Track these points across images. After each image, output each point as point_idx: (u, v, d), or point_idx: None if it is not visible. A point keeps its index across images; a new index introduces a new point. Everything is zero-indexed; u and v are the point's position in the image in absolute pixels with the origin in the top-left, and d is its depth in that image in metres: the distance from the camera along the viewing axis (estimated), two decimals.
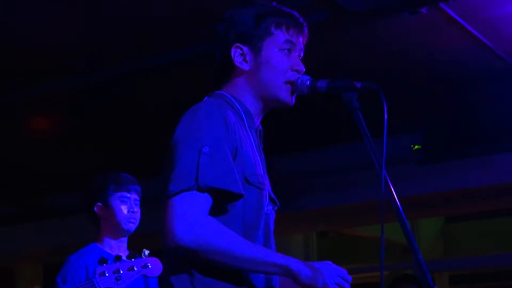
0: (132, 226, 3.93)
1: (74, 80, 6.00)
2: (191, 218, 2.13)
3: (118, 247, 3.93)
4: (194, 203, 2.15)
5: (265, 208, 2.33)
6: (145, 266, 3.35)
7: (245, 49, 2.40)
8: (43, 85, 6.07)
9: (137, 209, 3.94)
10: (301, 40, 2.46)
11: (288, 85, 2.40)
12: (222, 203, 2.23)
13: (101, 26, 5.16)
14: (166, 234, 2.14)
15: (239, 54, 2.41)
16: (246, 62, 2.41)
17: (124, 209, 3.91)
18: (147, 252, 3.42)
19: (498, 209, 8.75)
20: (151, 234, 4.02)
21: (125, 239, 3.98)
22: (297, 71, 2.41)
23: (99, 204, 3.93)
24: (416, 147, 7.10)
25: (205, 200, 2.17)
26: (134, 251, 3.72)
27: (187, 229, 2.12)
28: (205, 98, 2.41)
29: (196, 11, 4.90)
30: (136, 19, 5.07)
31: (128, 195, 3.94)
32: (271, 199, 2.42)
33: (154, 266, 3.25)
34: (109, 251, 3.89)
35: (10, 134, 7.18)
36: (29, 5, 4.81)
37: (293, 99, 2.43)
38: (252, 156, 2.33)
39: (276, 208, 2.47)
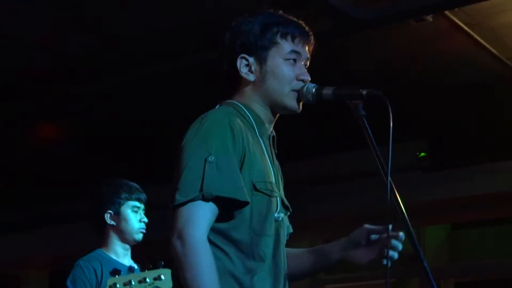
0: (141, 236, 3.94)
1: (79, 88, 6.02)
2: (187, 231, 2.16)
3: (124, 254, 3.93)
4: (197, 214, 2.18)
5: (275, 215, 2.34)
6: (158, 277, 3.32)
7: (251, 59, 2.41)
8: (49, 92, 6.09)
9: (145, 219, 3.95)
10: (307, 50, 2.46)
11: (295, 92, 2.41)
12: (229, 210, 2.24)
13: (106, 34, 5.18)
14: (169, 242, 2.19)
15: (244, 65, 2.41)
16: (252, 72, 2.41)
17: (136, 219, 3.92)
18: (161, 263, 3.40)
19: (504, 216, 8.72)
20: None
21: (130, 247, 3.98)
22: (303, 80, 2.41)
23: (110, 212, 3.91)
24: (421, 154, 7.09)
25: (209, 210, 2.20)
26: (143, 259, 3.72)
27: (181, 242, 2.16)
28: (216, 107, 2.43)
29: (201, 20, 4.92)
30: (140, 28, 5.09)
31: (139, 204, 3.94)
32: (284, 205, 2.42)
33: (168, 278, 3.23)
34: (115, 258, 3.89)
35: (16, 141, 7.20)
36: (36, 13, 4.83)
37: (300, 106, 2.43)
38: (262, 163, 2.33)
39: (288, 213, 2.47)
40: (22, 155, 7.59)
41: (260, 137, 2.39)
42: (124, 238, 3.92)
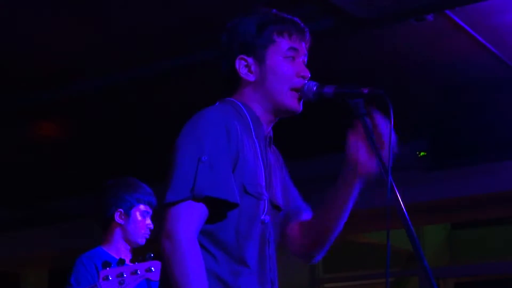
0: (144, 241, 3.92)
1: (79, 86, 6.01)
2: (177, 230, 2.16)
3: (126, 254, 3.91)
4: (187, 214, 2.18)
5: (262, 217, 2.33)
6: (149, 269, 3.34)
7: (249, 60, 2.41)
8: (49, 91, 6.08)
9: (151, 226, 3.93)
10: (304, 46, 2.45)
11: (294, 92, 2.40)
12: (217, 211, 2.25)
13: (104, 33, 5.17)
14: (159, 240, 2.20)
15: (243, 66, 2.41)
16: (252, 72, 2.41)
17: (143, 223, 3.89)
18: (151, 255, 3.41)
19: (504, 216, 8.72)
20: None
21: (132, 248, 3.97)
22: (303, 77, 2.41)
23: (121, 210, 3.88)
24: (422, 153, 7.08)
25: (199, 210, 2.20)
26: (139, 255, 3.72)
27: (167, 239, 2.17)
28: (216, 104, 2.42)
29: (196, 19, 4.91)
30: (138, 27, 5.08)
31: (149, 209, 3.91)
32: (274, 206, 2.41)
33: (158, 270, 3.23)
34: (115, 256, 3.88)
35: (17, 139, 7.20)
36: (36, 13, 4.83)
37: (301, 106, 2.43)
38: (254, 165, 2.33)
39: (281, 212, 2.47)
40: (22, 154, 7.59)
41: (256, 138, 2.38)
42: (128, 239, 3.90)
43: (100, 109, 6.51)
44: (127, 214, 3.87)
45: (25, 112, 6.55)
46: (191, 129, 2.28)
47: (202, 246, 2.24)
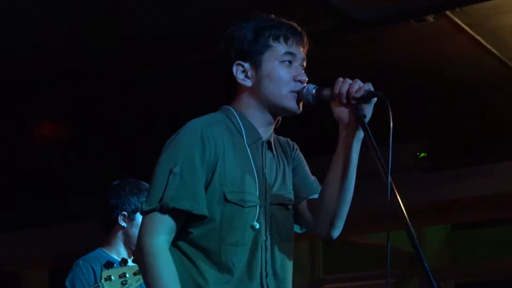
0: None
1: (80, 86, 6.02)
2: (145, 240, 2.25)
3: (126, 255, 3.90)
4: (156, 224, 2.25)
5: (253, 223, 2.32)
6: None
7: (246, 65, 2.40)
8: (49, 91, 6.09)
9: None
10: (301, 50, 2.44)
11: (294, 93, 2.40)
12: (196, 220, 2.28)
13: (106, 34, 5.18)
14: None
15: (240, 71, 2.41)
16: (249, 78, 2.40)
17: None
18: None
19: (504, 217, 8.72)
20: None
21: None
22: (300, 81, 2.41)
23: (125, 213, 3.82)
24: (422, 154, 7.09)
25: (167, 221, 2.26)
26: None
27: (138, 249, 2.27)
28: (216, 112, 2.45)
29: (201, 20, 4.92)
30: (139, 27, 5.09)
31: None
32: (281, 205, 2.41)
33: None
34: (116, 257, 3.87)
35: (16, 140, 7.20)
36: (36, 13, 4.84)
37: (300, 107, 2.43)
38: (240, 172, 2.33)
39: (290, 208, 2.46)
40: (22, 154, 7.59)
41: (248, 145, 2.38)
42: (128, 243, 3.87)
43: (100, 109, 6.52)
44: (130, 218, 3.84)
45: (25, 113, 6.56)
46: (170, 141, 2.33)
47: (185, 254, 2.29)
